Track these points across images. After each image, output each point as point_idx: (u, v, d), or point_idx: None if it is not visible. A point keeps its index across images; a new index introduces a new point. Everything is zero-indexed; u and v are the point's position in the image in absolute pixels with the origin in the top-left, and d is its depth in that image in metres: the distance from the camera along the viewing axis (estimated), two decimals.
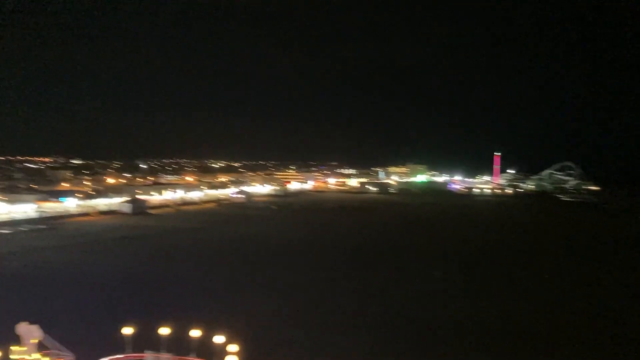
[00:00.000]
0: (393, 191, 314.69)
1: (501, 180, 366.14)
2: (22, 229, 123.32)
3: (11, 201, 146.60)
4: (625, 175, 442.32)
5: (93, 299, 64.37)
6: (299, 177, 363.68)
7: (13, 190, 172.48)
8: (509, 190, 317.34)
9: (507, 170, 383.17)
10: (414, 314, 61.18)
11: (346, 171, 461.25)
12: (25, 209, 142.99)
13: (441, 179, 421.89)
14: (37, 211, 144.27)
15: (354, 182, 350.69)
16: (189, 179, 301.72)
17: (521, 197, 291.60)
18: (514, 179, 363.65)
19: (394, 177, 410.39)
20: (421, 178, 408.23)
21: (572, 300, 69.83)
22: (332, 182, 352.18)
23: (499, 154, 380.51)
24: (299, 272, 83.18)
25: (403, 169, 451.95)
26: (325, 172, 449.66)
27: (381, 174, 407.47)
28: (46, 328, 30.01)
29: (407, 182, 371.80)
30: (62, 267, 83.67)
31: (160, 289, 70.61)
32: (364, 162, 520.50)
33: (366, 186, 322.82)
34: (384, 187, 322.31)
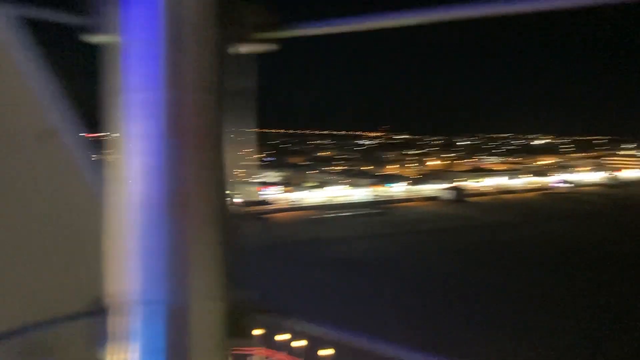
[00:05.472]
0: None
1: None
2: (359, 212, 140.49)
3: (352, 185, 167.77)
4: None
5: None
6: (636, 163, 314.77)
7: (350, 174, 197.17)
8: None
9: None
10: None
11: None
12: (362, 193, 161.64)
13: None
14: (369, 195, 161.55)
15: None
16: (509, 163, 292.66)
17: None
18: None
19: None
20: None
21: None
22: None
23: None
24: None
25: None
26: None
27: None
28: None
29: None
30: (388, 257, 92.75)
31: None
32: None
33: None
34: None
